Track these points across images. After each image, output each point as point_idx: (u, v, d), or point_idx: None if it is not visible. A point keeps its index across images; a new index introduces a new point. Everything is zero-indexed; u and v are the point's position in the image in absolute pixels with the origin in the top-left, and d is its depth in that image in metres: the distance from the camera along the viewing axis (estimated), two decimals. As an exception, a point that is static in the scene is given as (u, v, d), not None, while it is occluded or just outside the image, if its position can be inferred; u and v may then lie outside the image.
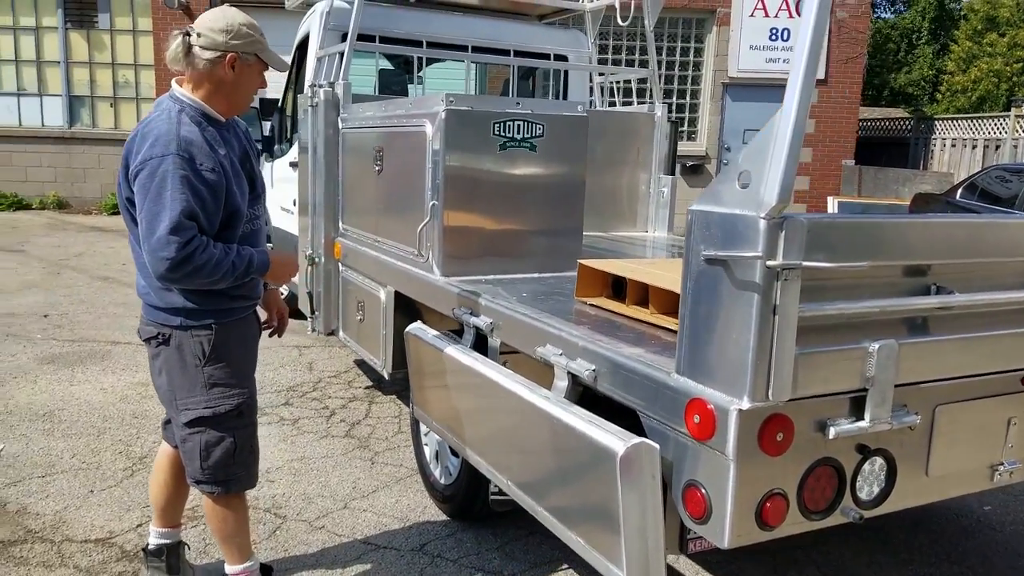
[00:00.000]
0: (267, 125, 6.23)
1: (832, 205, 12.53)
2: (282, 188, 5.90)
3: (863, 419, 1.79)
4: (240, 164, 2.28)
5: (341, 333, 4.49)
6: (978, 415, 2.06)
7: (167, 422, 2.53)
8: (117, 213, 11.99)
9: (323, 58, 4.95)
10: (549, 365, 2.32)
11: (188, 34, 2.18)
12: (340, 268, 4.44)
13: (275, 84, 12.56)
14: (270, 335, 2.71)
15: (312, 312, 4.64)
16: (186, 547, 2.72)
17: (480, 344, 2.81)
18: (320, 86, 4.42)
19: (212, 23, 2.17)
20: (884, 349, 1.78)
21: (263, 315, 2.64)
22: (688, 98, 12.86)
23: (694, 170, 12.68)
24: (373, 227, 3.91)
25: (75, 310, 6.41)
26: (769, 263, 1.63)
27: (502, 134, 3.26)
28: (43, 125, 12.09)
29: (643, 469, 1.81)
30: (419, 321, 3.21)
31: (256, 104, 6.23)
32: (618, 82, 5.83)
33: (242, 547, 2.47)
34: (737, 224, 1.69)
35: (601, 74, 5.85)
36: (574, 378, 2.20)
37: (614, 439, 1.85)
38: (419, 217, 3.33)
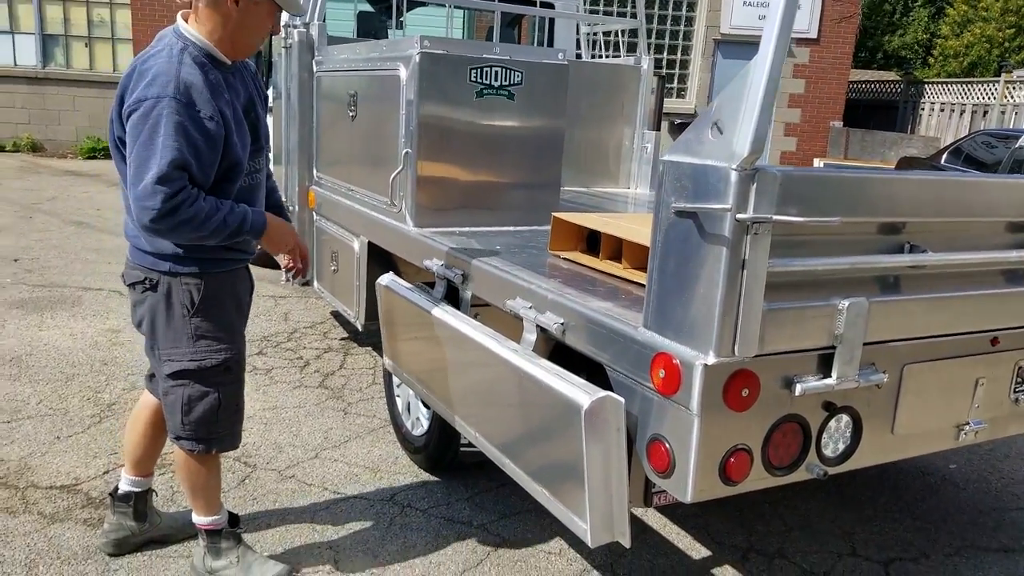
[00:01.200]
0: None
1: (818, 165, 12.49)
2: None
3: (830, 376, 1.77)
4: (244, 112, 2.14)
5: (316, 284, 4.44)
6: (946, 375, 2.06)
7: (152, 375, 2.45)
8: (93, 157, 11.79)
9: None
10: (519, 318, 2.29)
11: None
12: (314, 218, 4.36)
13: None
14: (293, 276, 2.56)
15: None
16: (154, 494, 2.69)
17: (451, 296, 2.77)
18: (294, 27, 4.29)
19: None
20: (854, 307, 1.76)
21: (282, 259, 2.47)
22: (679, 54, 12.67)
23: (682, 128, 12.55)
24: (347, 176, 3.83)
25: (47, 255, 6.30)
26: (739, 216, 1.59)
27: (479, 80, 3.17)
28: (15, 64, 11.73)
29: (608, 422, 1.79)
30: (391, 272, 3.15)
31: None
32: (606, 34, 5.69)
33: (210, 500, 2.42)
34: (708, 175, 1.64)
35: (589, 24, 5.72)
36: (543, 331, 2.17)
37: (579, 392, 1.82)
38: (392, 166, 3.25)
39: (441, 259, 2.82)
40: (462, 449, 2.85)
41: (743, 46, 12.63)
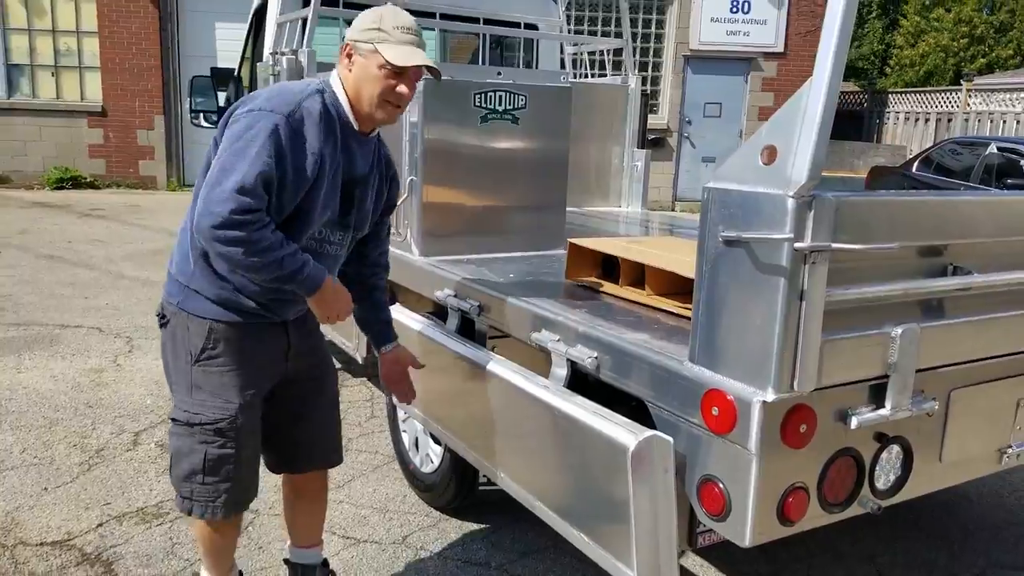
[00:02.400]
0: (222, 96, 5.93)
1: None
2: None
3: (884, 407, 1.70)
4: (346, 179, 1.96)
5: (308, 315, 4.30)
6: (990, 398, 2.01)
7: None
8: (60, 187, 11.50)
9: (284, 24, 4.69)
10: (545, 351, 2.20)
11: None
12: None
13: (230, 53, 12.00)
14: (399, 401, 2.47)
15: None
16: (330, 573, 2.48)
17: (465, 328, 2.67)
18: (282, 54, 4.19)
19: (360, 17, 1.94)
20: (907, 334, 1.70)
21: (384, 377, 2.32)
22: (650, 71, 12.76)
23: (656, 143, 12.61)
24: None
25: (19, 291, 6.07)
26: (797, 245, 1.52)
27: (483, 105, 3.10)
28: (-22, 95, 11.43)
29: (655, 464, 1.71)
30: (396, 303, 3.05)
31: (208, 74, 5.93)
32: (591, 54, 5.67)
33: (214, 566, 2.22)
34: (761, 203, 1.57)
35: (574, 44, 5.69)
36: (573, 365, 2.08)
37: (624, 432, 1.73)
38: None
39: (454, 290, 2.72)
40: (481, 488, 2.73)
41: (712, 61, 12.76)
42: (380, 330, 2.29)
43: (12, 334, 5.05)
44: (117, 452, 3.51)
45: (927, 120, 14.96)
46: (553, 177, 3.30)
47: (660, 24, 12.85)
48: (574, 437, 1.90)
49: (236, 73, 5.85)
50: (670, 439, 1.72)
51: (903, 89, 18.24)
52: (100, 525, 2.92)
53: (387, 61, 1.87)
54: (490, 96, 3.11)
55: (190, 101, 5.75)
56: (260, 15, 5.47)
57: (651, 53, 12.83)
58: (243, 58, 5.80)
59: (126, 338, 5.08)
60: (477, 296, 2.59)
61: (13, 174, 11.56)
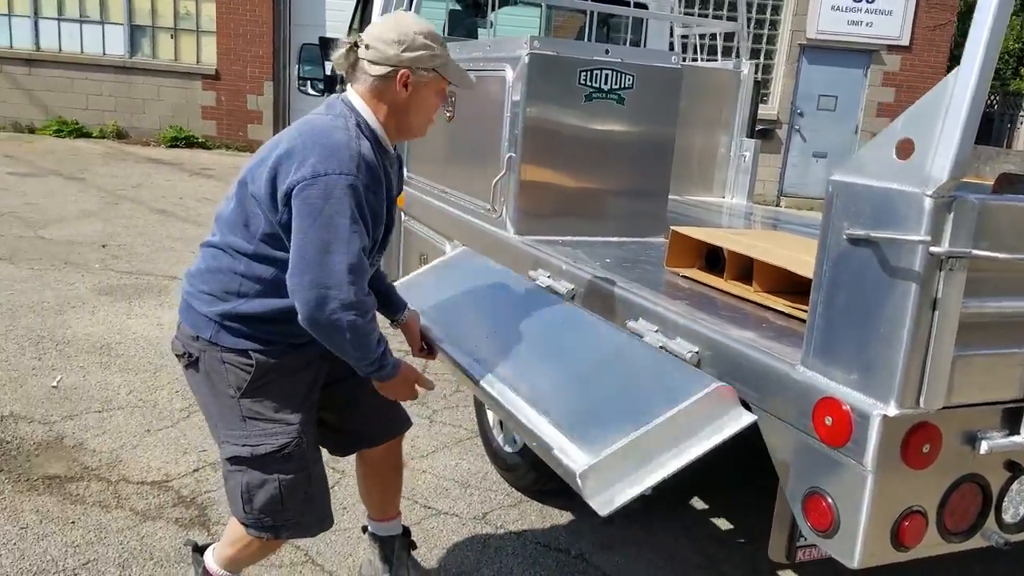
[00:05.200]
0: (328, 66, 6.03)
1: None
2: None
3: (1019, 433, 1.57)
4: (390, 204, 1.95)
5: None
6: None
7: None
8: (174, 146, 12.02)
9: (394, -5, 4.71)
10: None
11: (356, 46, 1.84)
12: (402, 217, 4.27)
13: (338, 24, 12.24)
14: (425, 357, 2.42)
15: (372, 261, 4.49)
16: (410, 543, 2.47)
17: None
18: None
19: (383, 33, 1.82)
20: (1050, 355, 1.55)
21: (410, 344, 2.30)
22: (762, 59, 12.27)
23: (763, 134, 12.15)
24: (441, 177, 3.73)
25: (133, 242, 6.39)
26: (933, 249, 1.40)
27: (588, 84, 3.02)
28: (104, 54, 12.04)
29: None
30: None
31: (317, 43, 6.04)
32: (701, 37, 5.47)
33: (236, 563, 2.11)
34: (895, 201, 1.46)
35: (684, 25, 5.51)
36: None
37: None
38: (493, 170, 3.13)
39: (548, 271, 2.68)
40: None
41: (829, 52, 12.15)
42: (394, 300, 2.26)
43: (125, 281, 5.32)
44: (214, 403, 3.65)
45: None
46: (657, 162, 3.21)
47: (776, 10, 12.32)
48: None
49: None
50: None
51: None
52: (196, 470, 3.04)
53: (453, 84, 1.88)
54: (596, 74, 3.03)
55: (298, 68, 5.87)
56: (371, -15, 5.52)
57: (764, 40, 12.33)
58: (351, 28, 5.88)
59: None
60: (572, 279, 2.54)
61: (131, 130, 12.17)
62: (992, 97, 15.63)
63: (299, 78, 5.91)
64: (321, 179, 1.69)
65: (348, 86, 1.91)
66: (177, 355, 1.95)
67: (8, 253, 5.72)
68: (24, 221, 6.73)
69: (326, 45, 6.07)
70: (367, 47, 1.82)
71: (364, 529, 2.48)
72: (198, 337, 1.86)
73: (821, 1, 11.99)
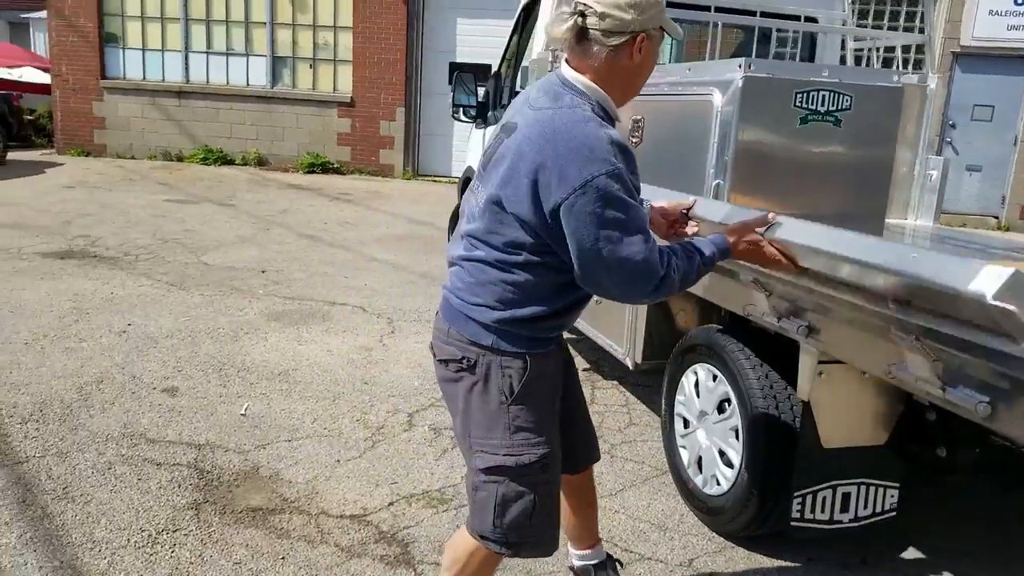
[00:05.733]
0: (480, 91, 6.07)
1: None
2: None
3: None
4: None
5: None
6: None
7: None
8: (311, 172, 12.50)
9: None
10: (905, 390, 1.93)
11: (583, 15, 1.74)
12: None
13: (470, 49, 12.43)
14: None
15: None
16: (618, 564, 2.45)
17: (774, 351, 2.45)
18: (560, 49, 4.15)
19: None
20: None
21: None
22: (911, 68, 11.60)
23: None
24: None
25: (289, 267, 6.61)
26: None
27: (804, 106, 2.85)
28: (248, 84, 12.71)
29: None
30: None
31: (470, 70, 6.08)
32: (877, 50, 5.16)
33: None
34: None
35: (859, 39, 5.21)
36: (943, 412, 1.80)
37: None
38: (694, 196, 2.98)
39: (772, 306, 2.50)
40: (794, 523, 2.50)
41: (987, 59, 11.34)
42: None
43: (290, 307, 5.48)
44: (395, 431, 3.65)
45: None
46: (874, 185, 3.00)
47: (923, 17, 11.63)
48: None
49: (497, 69, 5.96)
50: None
51: None
52: (391, 504, 3.02)
53: (671, 35, 1.84)
54: (812, 96, 2.85)
55: (453, 95, 5.93)
56: (529, 10, 5.52)
57: (912, 50, 11.66)
58: (506, 54, 5.89)
59: (387, 319, 5.34)
60: (806, 314, 2.35)
61: (271, 157, 12.76)
62: None
63: (453, 104, 5.97)
64: (590, 186, 1.65)
65: (562, 62, 1.83)
66: (447, 360, 1.93)
67: (178, 279, 6.02)
68: (186, 247, 7.10)
69: (480, 72, 6.14)
70: (602, 17, 1.73)
71: (572, 569, 2.40)
72: (478, 343, 1.86)
73: (977, 6, 11.23)
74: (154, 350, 4.49)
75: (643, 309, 3.41)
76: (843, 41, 5.23)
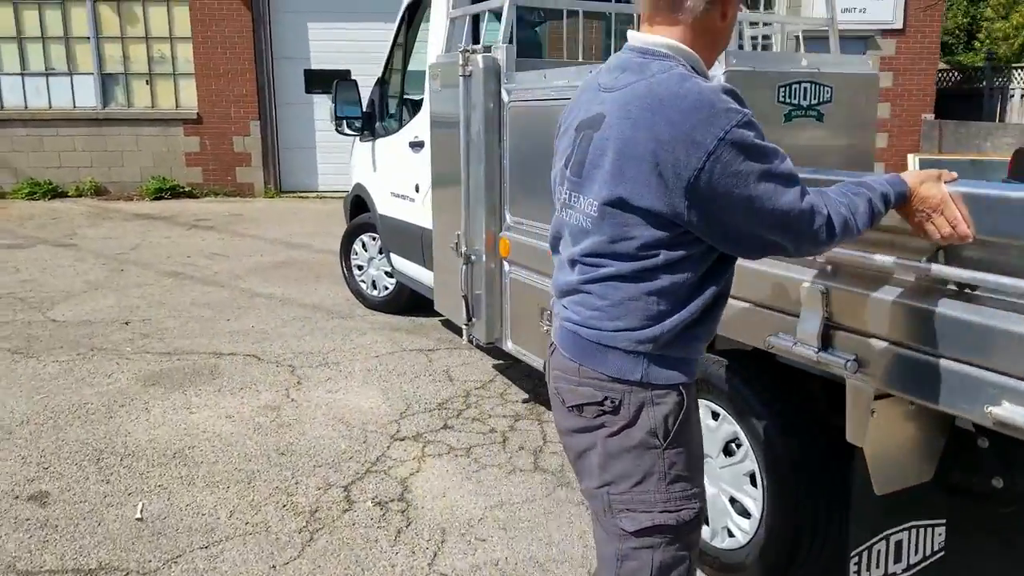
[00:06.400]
0: (365, 103, 5.47)
1: (913, 163, 11.72)
2: (393, 171, 5.18)
3: None
4: None
5: (510, 344, 3.81)
6: None
7: None
8: (159, 198, 11.30)
9: (457, 19, 4.20)
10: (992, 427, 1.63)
11: None
12: (506, 268, 3.74)
13: (325, 54, 11.78)
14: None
15: (468, 319, 3.95)
16: None
17: (798, 385, 2.13)
18: (472, 51, 3.68)
19: None
20: None
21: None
22: (759, 50, 12.02)
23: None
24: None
25: (156, 314, 5.74)
26: None
27: (788, 101, 2.54)
28: (75, 107, 11.31)
29: None
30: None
31: (352, 78, 5.49)
32: (765, 37, 5.05)
33: None
34: None
35: (754, 23, 5.08)
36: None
37: None
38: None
39: (802, 334, 2.16)
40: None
41: (824, 40, 11.91)
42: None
43: (168, 366, 4.68)
44: (334, 514, 3.07)
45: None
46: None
47: (768, 3, 12.06)
48: None
49: (380, 76, 5.39)
50: None
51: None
52: (355, 618, 2.47)
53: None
54: (795, 89, 2.55)
55: (334, 107, 5.31)
56: (414, 10, 5.00)
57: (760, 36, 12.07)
58: (390, 58, 5.32)
59: (288, 367, 4.67)
60: (852, 345, 2.02)
61: (111, 185, 11.44)
62: (979, 72, 15.59)
63: (335, 117, 5.35)
64: (724, 144, 1.43)
65: (631, 34, 1.63)
66: (581, 405, 1.64)
67: (23, 344, 5.05)
68: (27, 303, 6.04)
69: (330, 79, 5.54)
70: None
71: None
72: (623, 379, 1.59)
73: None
74: (8, 443, 3.63)
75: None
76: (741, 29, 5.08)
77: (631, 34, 1.64)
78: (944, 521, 2.28)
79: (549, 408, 4.11)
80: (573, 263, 1.65)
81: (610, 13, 4.52)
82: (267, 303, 6.07)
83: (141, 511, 3.07)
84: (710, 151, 1.42)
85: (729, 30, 1.65)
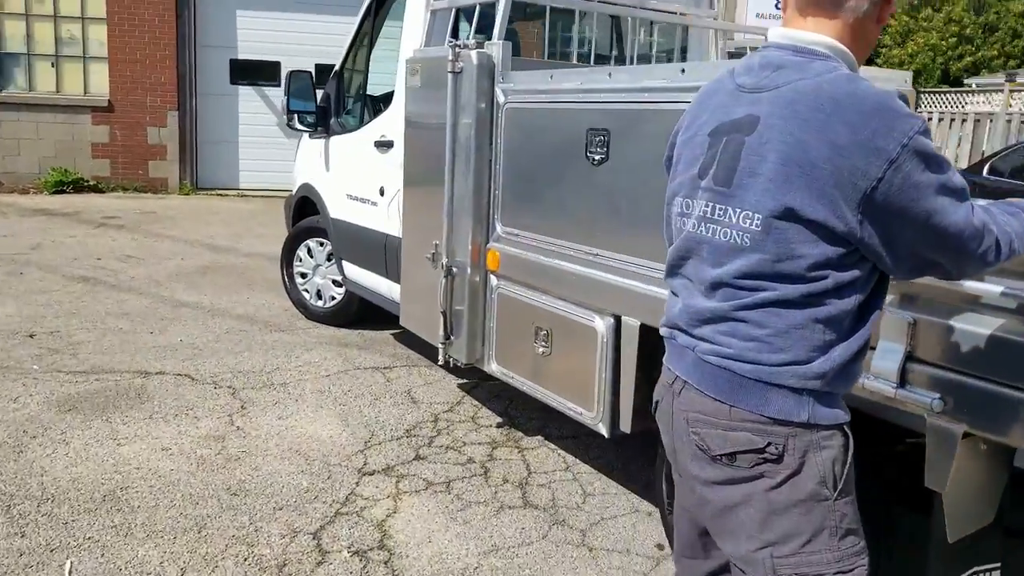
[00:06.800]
0: (320, 96, 5.01)
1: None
2: (351, 171, 4.74)
3: None
4: None
5: (494, 365, 3.45)
6: None
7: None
8: (60, 191, 10.33)
9: (439, 12, 3.84)
10: None
11: None
12: (495, 283, 3.39)
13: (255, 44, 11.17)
14: None
15: (447, 336, 3.57)
16: None
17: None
18: (464, 47, 3.33)
19: None
20: None
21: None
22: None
23: None
24: (584, 236, 2.87)
25: (67, 326, 5.07)
26: None
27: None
28: (-36, 88, 10.22)
29: None
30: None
31: (307, 71, 5.02)
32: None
33: None
34: None
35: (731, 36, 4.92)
36: None
37: None
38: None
39: (886, 371, 1.92)
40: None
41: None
42: None
43: (86, 387, 4.08)
44: (306, 568, 2.64)
45: (964, 121, 14.54)
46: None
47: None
48: None
49: (339, 69, 4.94)
50: None
51: (933, 88, 17.91)
52: None
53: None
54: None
55: (286, 100, 4.83)
56: (381, 0, 4.59)
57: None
58: (350, 52, 4.88)
59: (228, 388, 4.15)
60: (945, 384, 1.79)
61: (4, 176, 10.39)
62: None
63: (287, 111, 4.87)
64: (907, 150, 1.28)
65: (787, 26, 1.45)
66: (734, 453, 1.41)
67: (-95, 358, 4.33)
68: (-93, 307, 5.26)
69: (262, 69, 5.11)
70: None
71: None
72: (787, 420, 1.38)
73: (747, 9, 11.93)
74: None
75: (633, 364, 2.70)
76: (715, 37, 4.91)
77: (778, 30, 1.47)
78: (999, 565, 2.10)
79: (525, 432, 3.79)
80: (716, 286, 1.43)
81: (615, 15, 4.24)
82: (194, 313, 5.48)
83: (69, 572, 2.54)
84: (892, 159, 1.27)
85: (877, 36, 1.51)
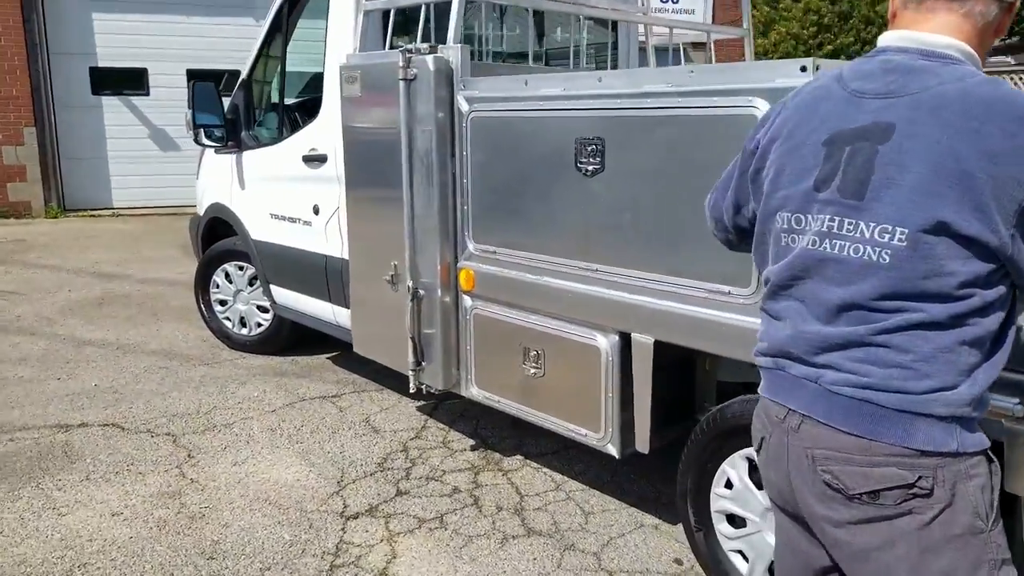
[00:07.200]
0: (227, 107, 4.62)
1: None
2: (273, 189, 4.41)
3: None
4: None
5: (475, 390, 3.30)
6: None
7: None
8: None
9: (373, 13, 3.62)
10: None
11: None
12: (469, 303, 3.24)
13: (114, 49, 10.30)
14: None
15: (418, 363, 3.39)
16: None
17: None
18: (417, 51, 3.14)
19: None
20: None
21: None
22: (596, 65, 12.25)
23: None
24: (580, 251, 2.77)
25: (-47, 379, 4.46)
26: None
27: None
28: None
29: None
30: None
31: (209, 81, 4.64)
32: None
33: None
34: None
35: (660, 32, 4.96)
36: None
37: None
38: (714, 243, 2.31)
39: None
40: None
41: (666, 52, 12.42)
42: None
43: (1, 450, 3.59)
44: (320, 637, 2.41)
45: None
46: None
47: (742, 9, 12.34)
48: None
49: (247, 77, 4.59)
50: None
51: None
52: None
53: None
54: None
55: (190, 113, 4.43)
56: (293, 4, 4.29)
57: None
58: (258, 59, 4.53)
59: (166, 435, 3.78)
60: (1015, 385, 1.83)
61: None
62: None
63: (192, 125, 4.46)
64: None
65: (905, 28, 1.39)
66: (878, 491, 1.32)
67: None
68: None
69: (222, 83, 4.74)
70: None
71: None
72: (936, 451, 1.30)
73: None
74: None
75: (647, 383, 2.64)
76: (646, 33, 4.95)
77: (895, 33, 1.40)
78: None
79: (503, 453, 3.66)
80: (845, 308, 1.34)
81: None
82: (102, 352, 4.97)
83: None
84: None
85: (992, 46, 1.46)
